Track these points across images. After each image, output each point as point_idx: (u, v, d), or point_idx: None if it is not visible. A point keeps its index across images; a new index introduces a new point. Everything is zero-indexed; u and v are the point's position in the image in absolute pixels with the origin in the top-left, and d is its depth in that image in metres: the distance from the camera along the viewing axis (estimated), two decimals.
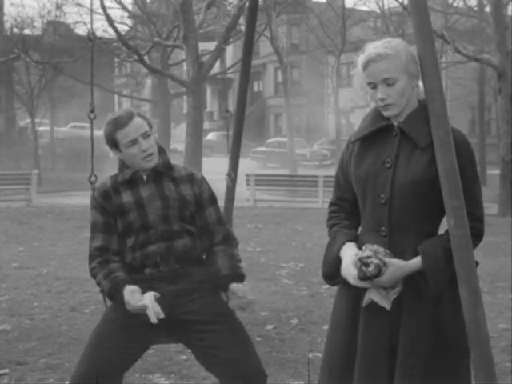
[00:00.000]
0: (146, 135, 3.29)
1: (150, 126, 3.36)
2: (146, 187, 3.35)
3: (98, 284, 3.31)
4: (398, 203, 2.71)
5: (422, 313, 2.70)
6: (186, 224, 3.35)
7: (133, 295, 3.15)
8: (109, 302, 3.40)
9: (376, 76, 2.72)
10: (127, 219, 3.31)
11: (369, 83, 2.76)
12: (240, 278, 3.40)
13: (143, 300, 3.13)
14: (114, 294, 3.22)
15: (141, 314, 3.14)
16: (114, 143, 3.32)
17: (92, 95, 4.09)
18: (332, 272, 2.83)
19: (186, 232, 3.34)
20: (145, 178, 3.36)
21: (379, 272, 2.64)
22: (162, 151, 3.41)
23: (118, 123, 3.28)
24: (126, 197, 3.33)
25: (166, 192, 3.34)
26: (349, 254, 2.75)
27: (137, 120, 3.29)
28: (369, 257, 2.64)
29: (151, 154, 3.31)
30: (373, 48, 2.74)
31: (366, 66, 2.74)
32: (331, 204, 2.96)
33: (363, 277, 2.66)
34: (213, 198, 3.46)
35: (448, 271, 2.68)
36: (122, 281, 3.22)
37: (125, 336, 3.23)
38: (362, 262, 2.65)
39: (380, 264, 2.64)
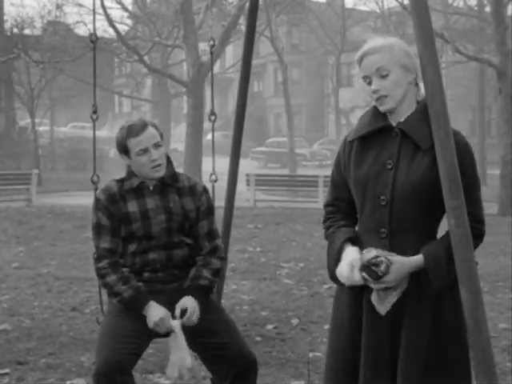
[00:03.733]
0: (157, 145, 3.38)
1: (162, 137, 3.45)
2: (151, 198, 3.44)
3: (110, 286, 3.37)
4: (398, 205, 2.70)
5: (423, 314, 2.69)
6: (185, 237, 3.47)
7: (162, 320, 3.30)
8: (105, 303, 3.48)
9: (369, 68, 2.73)
10: (131, 228, 3.41)
11: (364, 78, 2.75)
12: (201, 290, 3.43)
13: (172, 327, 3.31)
14: (135, 303, 3.33)
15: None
16: (124, 149, 3.40)
17: (94, 97, 4.09)
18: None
19: (185, 243, 3.47)
20: (151, 188, 3.45)
21: (388, 270, 2.64)
22: (169, 162, 3.49)
23: (132, 131, 3.37)
24: (132, 206, 3.42)
25: (170, 205, 3.44)
26: (348, 255, 2.73)
27: (150, 130, 3.39)
28: (377, 256, 2.64)
29: (160, 165, 3.39)
30: (367, 43, 2.77)
31: (360, 60, 2.76)
32: (327, 205, 2.93)
33: (376, 277, 2.65)
34: (209, 211, 3.56)
35: (450, 271, 2.68)
36: (145, 293, 3.35)
37: (135, 321, 3.34)
38: (372, 263, 2.64)
39: (387, 262, 2.64)
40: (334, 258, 2.79)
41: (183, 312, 3.35)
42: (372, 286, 2.69)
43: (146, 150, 3.35)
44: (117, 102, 56.10)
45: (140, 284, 3.36)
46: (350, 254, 2.73)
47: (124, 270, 3.39)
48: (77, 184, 22.97)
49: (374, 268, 2.64)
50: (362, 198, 2.78)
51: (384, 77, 2.71)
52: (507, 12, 19.21)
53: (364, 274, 2.66)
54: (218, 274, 3.55)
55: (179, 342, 3.32)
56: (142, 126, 3.37)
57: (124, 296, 3.32)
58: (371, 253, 2.66)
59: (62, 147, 34.23)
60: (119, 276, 3.35)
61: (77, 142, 32.50)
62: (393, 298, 2.71)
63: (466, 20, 27.91)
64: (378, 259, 2.63)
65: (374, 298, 2.73)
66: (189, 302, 3.35)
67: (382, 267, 2.63)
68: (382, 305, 2.72)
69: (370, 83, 2.74)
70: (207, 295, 3.47)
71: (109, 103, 50.29)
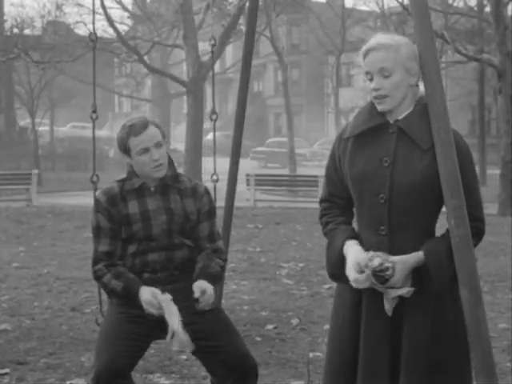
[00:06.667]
0: (158, 145, 3.34)
1: (164, 136, 3.41)
2: (152, 198, 3.39)
3: (106, 285, 3.35)
4: (397, 203, 2.70)
5: (423, 314, 2.70)
6: (185, 238, 3.42)
7: (153, 297, 3.21)
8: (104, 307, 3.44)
9: (372, 65, 2.72)
10: (132, 229, 3.37)
11: (366, 74, 2.75)
12: (211, 278, 3.38)
13: (162, 303, 3.21)
14: (128, 291, 3.27)
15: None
16: (125, 149, 3.36)
17: (94, 96, 4.08)
18: (338, 271, 2.79)
19: (185, 245, 3.43)
20: (152, 188, 3.41)
21: (393, 272, 2.65)
22: (171, 163, 3.45)
23: (133, 130, 3.32)
24: (133, 207, 3.38)
25: (171, 206, 3.40)
26: (352, 253, 2.72)
27: (151, 129, 3.34)
28: (382, 263, 2.63)
29: (161, 164, 3.35)
30: (375, 38, 2.75)
31: (365, 55, 2.74)
32: (323, 200, 2.93)
33: (383, 281, 2.65)
34: (210, 212, 3.51)
35: (451, 268, 2.69)
36: (137, 280, 3.29)
37: (135, 323, 3.31)
38: (377, 271, 2.64)
39: (392, 265, 2.64)
40: (335, 257, 2.79)
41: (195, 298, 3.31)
42: (380, 289, 2.69)
43: (146, 150, 3.30)
44: (117, 102, 56.16)
45: (132, 275, 3.31)
46: (355, 253, 2.71)
47: (119, 268, 3.34)
48: (77, 184, 22.97)
49: (380, 273, 2.64)
50: (359, 195, 2.78)
51: (386, 77, 2.71)
52: (507, 12, 19.19)
53: (373, 281, 2.66)
54: (223, 269, 3.54)
55: (173, 310, 3.22)
56: (143, 126, 3.32)
57: (117, 290, 3.30)
58: (375, 261, 2.65)
59: (62, 147, 34.27)
60: (113, 272, 3.32)
61: (77, 142, 32.54)
62: (399, 292, 2.70)
63: (466, 20, 27.87)
64: (383, 266, 2.64)
65: (386, 304, 2.71)
66: (206, 284, 3.30)
67: (389, 272, 2.64)
68: (391, 302, 2.71)
69: (371, 79, 2.74)
70: (216, 284, 3.44)
71: (109, 103, 50.33)
